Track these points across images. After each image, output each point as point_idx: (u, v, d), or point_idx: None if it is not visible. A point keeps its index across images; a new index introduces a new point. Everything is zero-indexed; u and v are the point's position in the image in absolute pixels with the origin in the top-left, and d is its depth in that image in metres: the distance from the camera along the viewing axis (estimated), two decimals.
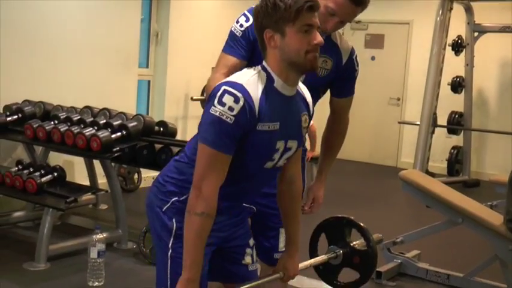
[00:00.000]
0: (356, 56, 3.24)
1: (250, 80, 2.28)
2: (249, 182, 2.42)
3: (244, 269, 2.63)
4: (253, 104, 2.23)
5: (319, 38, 2.28)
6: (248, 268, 2.63)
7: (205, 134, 2.23)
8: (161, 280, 2.48)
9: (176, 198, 2.44)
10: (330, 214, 5.41)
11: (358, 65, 3.26)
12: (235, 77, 2.29)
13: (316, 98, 3.03)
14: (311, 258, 3.04)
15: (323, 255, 3.02)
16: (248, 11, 3.04)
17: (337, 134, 3.39)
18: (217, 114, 2.18)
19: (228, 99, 2.18)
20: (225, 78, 2.71)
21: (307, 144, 4.03)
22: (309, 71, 2.35)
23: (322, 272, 3.09)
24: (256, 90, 2.26)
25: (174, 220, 2.42)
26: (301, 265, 2.85)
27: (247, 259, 2.63)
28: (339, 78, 3.21)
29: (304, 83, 2.74)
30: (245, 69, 2.39)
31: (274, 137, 2.34)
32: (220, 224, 2.44)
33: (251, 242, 2.67)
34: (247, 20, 3.04)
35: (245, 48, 3.05)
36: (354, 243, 3.03)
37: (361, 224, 3.02)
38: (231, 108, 2.18)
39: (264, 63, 2.34)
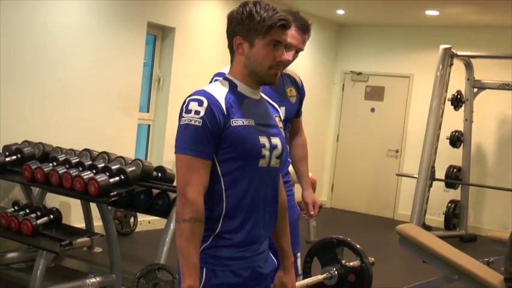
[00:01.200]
0: (301, 81, 3.92)
1: (213, 86, 2.40)
2: (253, 187, 2.36)
3: None
4: (218, 102, 2.29)
5: (284, 56, 2.38)
6: None
7: (179, 144, 2.28)
8: None
9: (204, 244, 2.36)
10: None
11: (304, 87, 3.93)
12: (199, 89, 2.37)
13: (287, 129, 3.67)
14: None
15: (318, 275, 2.99)
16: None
17: (303, 146, 3.96)
18: (186, 122, 2.26)
19: (192, 106, 2.26)
20: None
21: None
22: (267, 84, 2.44)
23: None
24: (220, 92, 2.34)
25: (204, 270, 2.35)
26: (297, 284, 2.81)
27: None
28: (301, 100, 3.86)
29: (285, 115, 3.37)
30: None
31: (254, 132, 2.36)
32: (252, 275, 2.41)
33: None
34: None
35: None
36: (348, 263, 3.00)
37: (353, 243, 3.01)
38: (197, 112, 2.25)
39: (226, 74, 2.44)
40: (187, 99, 2.30)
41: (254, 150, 2.36)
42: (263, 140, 2.38)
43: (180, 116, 2.29)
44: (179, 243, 2.24)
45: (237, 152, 2.32)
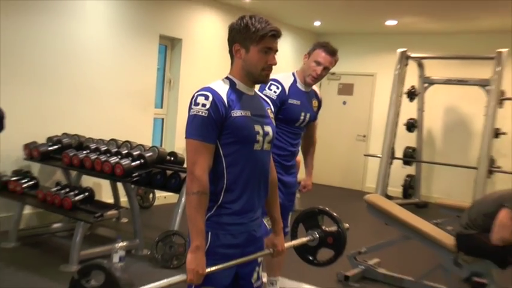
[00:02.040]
0: (321, 97, 4.11)
1: (217, 83, 2.39)
2: (248, 166, 2.38)
3: (251, 285, 2.57)
4: (221, 97, 2.31)
5: (274, 60, 2.41)
6: (254, 285, 2.58)
7: (189, 130, 2.31)
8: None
9: (209, 213, 2.38)
10: None
11: (322, 100, 4.13)
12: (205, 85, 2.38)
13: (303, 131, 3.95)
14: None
15: (303, 238, 3.01)
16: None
17: (313, 145, 4.23)
18: (194, 112, 2.28)
19: (200, 99, 2.29)
20: None
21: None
22: (260, 82, 2.48)
23: (303, 252, 3.07)
24: (222, 89, 2.36)
25: (209, 233, 2.37)
26: (287, 245, 2.81)
27: (255, 276, 2.58)
28: (319, 109, 4.04)
29: (309, 118, 3.85)
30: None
31: (250, 121, 2.38)
32: (239, 248, 2.42)
33: (259, 260, 2.62)
34: (279, 90, 3.75)
35: (276, 108, 3.62)
36: (327, 228, 3.03)
37: (332, 212, 3.03)
38: (203, 105, 2.27)
39: (228, 75, 2.44)
40: (195, 94, 2.32)
41: (250, 136, 2.38)
42: (257, 128, 2.40)
43: (190, 108, 2.31)
44: (188, 211, 2.28)
45: (236, 137, 2.34)
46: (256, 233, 2.50)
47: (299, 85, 3.81)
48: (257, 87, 2.57)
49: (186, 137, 2.31)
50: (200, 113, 2.27)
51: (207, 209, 2.37)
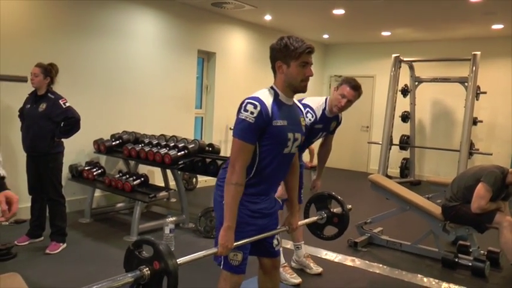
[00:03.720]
0: (341, 117, 3.92)
1: (264, 94, 2.36)
2: (275, 163, 2.40)
3: (273, 249, 2.64)
4: (267, 108, 2.30)
5: (311, 72, 2.39)
6: (275, 248, 2.65)
7: (236, 131, 2.31)
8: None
9: None
10: None
11: (341, 120, 3.94)
12: (254, 93, 2.36)
13: (322, 136, 3.90)
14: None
15: (313, 217, 3.03)
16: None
17: (328, 152, 4.11)
18: (243, 117, 2.27)
19: (249, 107, 2.27)
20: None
21: (307, 158, 4.30)
22: (300, 92, 2.43)
23: (313, 229, 3.09)
24: (268, 100, 2.33)
25: None
26: (301, 222, 2.89)
27: (275, 242, 2.65)
28: (336, 127, 3.91)
29: (324, 135, 3.80)
30: (261, 89, 2.43)
31: (285, 130, 2.38)
32: (262, 211, 2.47)
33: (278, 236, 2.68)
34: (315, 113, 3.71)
35: None
36: (334, 209, 3.04)
37: (338, 196, 3.04)
38: (252, 113, 2.26)
39: (272, 85, 2.42)
40: (246, 101, 2.30)
41: (283, 142, 2.39)
42: (290, 135, 2.40)
43: (239, 111, 2.30)
44: (226, 198, 2.30)
45: (273, 141, 2.34)
46: (267, 210, 2.52)
47: (326, 112, 3.70)
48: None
49: (233, 135, 2.32)
50: (248, 119, 2.26)
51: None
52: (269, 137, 2.32)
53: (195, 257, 2.14)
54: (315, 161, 4.30)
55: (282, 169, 2.53)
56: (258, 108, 2.26)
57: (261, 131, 2.30)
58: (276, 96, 2.38)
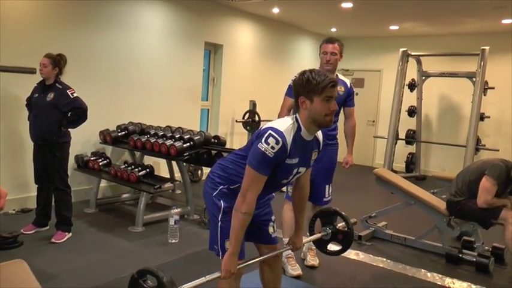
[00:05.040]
0: (351, 84, 4.13)
1: (288, 128, 2.28)
2: (269, 187, 2.39)
3: (269, 235, 2.67)
4: (287, 146, 2.24)
5: (335, 107, 2.31)
6: (271, 235, 2.68)
7: (253, 160, 2.25)
8: (213, 240, 2.52)
9: (222, 186, 2.48)
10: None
11: (353, 88, 4.13)
12: (278, 124, 2.29)
13: (339, 111, 3.86)
14: (310, 235, 3.09)
15: (318, 234, 3.04)
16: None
17: (352, 127, 4.31)
18: (262, 149, 2.21)
19: (271, 141, 2.21)
20: (287, 111, 3.79)
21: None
22: (325, 127, 2.38)
23: (318, 244, 3.11)
24: (289, 136, 2.27)
25: (221, 201, 2.46)
26: (305, 240, 2.92)
27: (271, 229, 2.67)
28: (347, 96, 3.98)
29: (336, 100, 3.27)
30: (287, 118, 2.38)
31: (293, 167, 2.37)
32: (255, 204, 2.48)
33: (273, 217, 2.70)
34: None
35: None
36: (339, 225, 3.04)
37: (343, 213, 3.03)
38: (272, 147, 2.20)
39: (297, 115, 2.35)
40: (269, 131, 2.23)
41: (285, 176, 2.40)
42: (295, 170, 2.40)
43: (259, 140, 2.24)
44: (234, 224, 2.29)
45: (276, 173, 2.32)
46: (258, 200, 2.49)
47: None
48: None
49: (248, 164, 2.27)
50: (267, 153, 2.21)
51: (220, 183, 2.48)
52: (276, 169, 2.30)
53: (196, 283, 2.18)
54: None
55: (276, 189, 2.57)
56: (280, 144, 2.22)
57: (275, 164, 2.28)
58: (297, 131, 2.32)
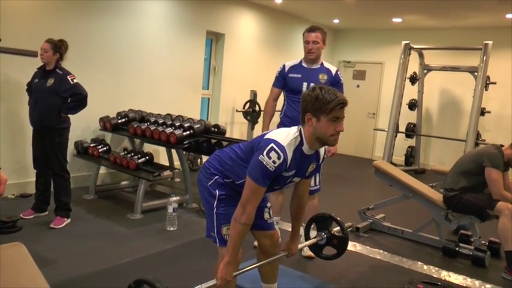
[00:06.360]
0: (338, 72, 3.99)
1: (290, 142, 2.28)
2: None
3: (264, 221, 2.67)
4: (287, 160, 2.25)
5: (341, 128, 2.29)
6: (267, 221, 2.69)
7: (253, 172, 2.24)
8: (210, 228, 2.54)
9: (217, 177, 2.49)
10: (329, 189, 5.42)
11: (340, 76, 3.97)
12: (281, 137, 2.28)
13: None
14: (306, 240, 3.11)
15: (313, 239, 3.05)
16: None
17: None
18: (264, 162, 2.21)
19: (273, 155, 2.21)
20: (273, 100, 3.94)
21: None
22: (329, 145, 2.37)
23: (313, 248, 3.13)
24: (291, 150, 2.27)
25: (217, 190, 2.48)
26: (300, 245, 2.96)
27: (266, 215, 2.68)
28: (332, 84, 3.74)
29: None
30: (291, 129, 2.36)
31: (288, 178, 2.38)
32: None
33: (268, 204, 2.71)
34: (281, 69, 4.03)
35: (281, 82, 3.98)
36: (334, 230, 3.05)
37: (338, 219, 3.04)
38: (274, 162, 2.20)
39: (302, 129, 2.33)
40: (271, 144, 2.23)
41: (280, 186, 2.43)
42: (289, 180, 2.41)
43: (260, 151, 2.23)
44: (232, 234, 2.30)
45: (271, 184, 2.32)
46: None
47: (304, 63, 3.98)
48: None
49: (248, 175, 2.26)
50: (268, 166, 2.20)
51: (215, 174, 2.49)
52: (273, 180, 2.31)
53: None
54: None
55: (267, 193, 2.57)
56: (281, 159, 2.22)
57: (274, 177, 2.29)
58: (299, 146, 2.32)
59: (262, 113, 4.13)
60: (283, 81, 3.98)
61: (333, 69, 3.95)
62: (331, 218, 3.05)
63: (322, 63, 3.97)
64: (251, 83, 8.37)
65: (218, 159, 2.54)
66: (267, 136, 2.31)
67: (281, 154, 2.21)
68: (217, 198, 2.47)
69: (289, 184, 2.50)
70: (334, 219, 3.04)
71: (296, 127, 2.37)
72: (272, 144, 2.23)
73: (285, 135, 2.30)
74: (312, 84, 3.75)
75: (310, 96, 2.27)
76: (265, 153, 2.21)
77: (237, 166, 2.43)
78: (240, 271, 2.47)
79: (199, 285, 2.25)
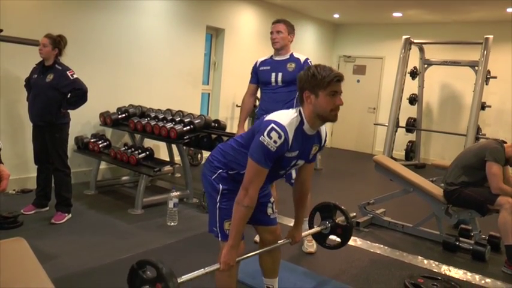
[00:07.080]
0: (308, 60, 3.91)
1: (291, 122, 2.27)
2: (268, 178, 2.37)
3: (267, 216, 2.68)
4: (289, 139, 2.24)
5: (340, 101, 2.29)
6: (270, 216, 2.69)
7: (254, 154, 2.24)
8: (212, 222, 2.53)
9: (221, 170, 2.49)
10: (329, 184, 5.43)
11: (309, 64, 3.82)
12: (281, 118, 2.27)
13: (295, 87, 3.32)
14: (309, 229, 3.11)
15: (317, 227, 3.05)
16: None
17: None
18: (265, 143, 2.20)
19: (274, 135, 2.19)
20: (249, 96, 4.04)
21: None
22: (331, 121, 2.35)
23: (317, 237, 3.13)
24: (292, 129, 2.26)
25: (220, 184, 2.48)
26: (304, 233, 2.95)
27: (269, 210, 2.69)
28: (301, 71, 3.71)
29: (284, 77, 3.80)
30: (290, 110, 2.36)
31: (292, 159, 2.36)
32: None
33: (271, 199, 2.71)
34: (254, 65, 4.13)
35: (255, 77, 4.10)
36: (338, 219, 3.05)
37: (343, 207, 3.04)
38: (275, 141, 2.19)
39: (301, 109, 2.33)
40: (271, 124, 2.22)
41: (284, 167, 2.41)
42: (293, 162, 2.40)
43: (261, 133, 2.22)
44: (235, 218, 2.30)
45: (276, 165, 2.31)
46: None
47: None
48: None
49: (249, 156, 2.26)
50: (269, 146, 2.19)
51: (219, 168, 2.49)
52: (276, 162, 2.30)
53: (196, 275, 2.22)
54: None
55: (273, 179, 2.57)
56: (282, 139, 2.21)
57: (276, 157, 2.28)
58: (300, 125, 2.31)
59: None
60: (256, 76, 4.09)
61: (302, 58, 3.96)
62: (335, 207, 3.06)
63: (291, 54, 4.00)
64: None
65: (221, 152, 2.54)
66: (266, 118, 2.31)
67: (282, 133, 2.21)
68: (220, 192, 2.47)
69: (294, 167, 2.49)
70: (338, 208, 3.04)
71: (295, 109, 2.38)
72: (272, 125, 2.22)
73: (285, 116, 2.30)
74: (280, 74, 3.88)
75: (306, 75, 2.28)
76: (265, 133, 2.20)
77: (240, 155, 2.43)
78: (243, 257, 2.47)
79: (202, 269, 2.25)
